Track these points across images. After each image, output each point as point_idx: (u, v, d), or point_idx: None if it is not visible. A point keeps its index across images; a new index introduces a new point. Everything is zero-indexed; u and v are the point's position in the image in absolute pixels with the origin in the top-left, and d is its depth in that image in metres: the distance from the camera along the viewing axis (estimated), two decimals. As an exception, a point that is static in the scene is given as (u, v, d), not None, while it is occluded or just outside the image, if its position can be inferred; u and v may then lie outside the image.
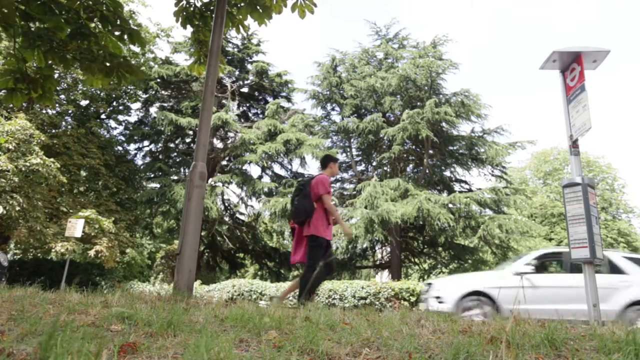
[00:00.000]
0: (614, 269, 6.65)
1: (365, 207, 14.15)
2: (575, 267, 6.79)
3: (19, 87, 4.52)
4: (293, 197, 4.95)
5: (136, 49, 16.65)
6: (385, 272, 18.39)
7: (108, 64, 4.72)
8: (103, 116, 19.04)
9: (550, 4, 69.37)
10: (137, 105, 19.30)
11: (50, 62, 4.56)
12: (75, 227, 11.33)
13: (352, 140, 17.72)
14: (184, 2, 5.86)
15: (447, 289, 6.70)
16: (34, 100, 4.68)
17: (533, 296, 6.23)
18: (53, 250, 13.26)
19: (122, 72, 4.79)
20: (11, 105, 13.36)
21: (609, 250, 7.29)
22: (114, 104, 19.05)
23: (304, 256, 4.89)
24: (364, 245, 17.05)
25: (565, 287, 6.31)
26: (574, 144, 4.97)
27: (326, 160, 5.05)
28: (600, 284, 6.09)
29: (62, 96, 16.71)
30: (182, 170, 18.38)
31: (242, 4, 5.78)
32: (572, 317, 5.35)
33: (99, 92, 17.58)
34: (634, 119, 55.72)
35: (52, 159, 12.67)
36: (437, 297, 6.66)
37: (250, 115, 20.37)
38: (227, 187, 17.67)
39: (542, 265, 7.01)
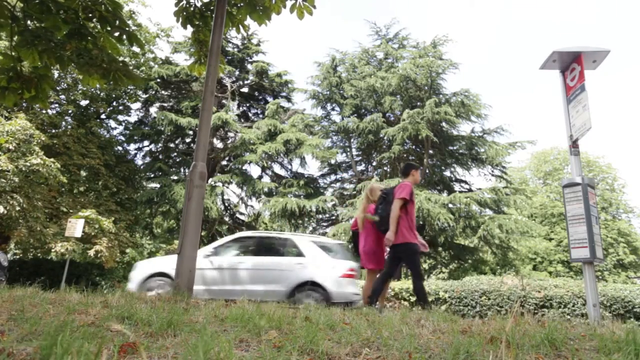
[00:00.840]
0: (298, 253, 6.81)
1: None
2: (262, 251, 6.97)
3: (12, 86, 4.49)
4: (377, 206, 4.96)
5: (136, 49, 16.64)
6: (385, 272, 18.35)
7: (106, 67, 4.71)
8: (103, 116, 19.03)
9: (551, 4, 69.38)
10: (137, 105, 19.30)
11: (45, 62, 4.54)
12: (75, 227, 11.32)
13: (352, 140, 17.72)
14: (184, 2, 5.86)
15: (137, 270, 6.84)
16: (27, 101, 4.65)
17: (218, 277, 6.43)
18: (53, 250, 13.25)
19: (119, 75, 4.78)
20: (12, 105, 13.32)
21: (297, 235, 7.39)
22: (114, 104, 19.03)
23: (380, 262, 4.97)
24: (364, 245, 17.03)
25: (246, 269, 6.50)
26: (574, 144, 4.97)
27: (408, 169, 5.10)
28: (275, 265, 6.29)
29: (62, 96, 16.70)
30: (182, 170, 18.37)
31: (242, 4, 5.78)
32: (249, 298, 5.40)
33: (99, 92, 17.57)
34: (634, 119, 55.74)
35: (52, 159, 12.66)
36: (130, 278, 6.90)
37: (250, 115, 20.36)
38: (227, 187, 17.66)
39: (236, 248, 7.13)
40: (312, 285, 6.23)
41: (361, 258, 5.16)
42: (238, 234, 7.50)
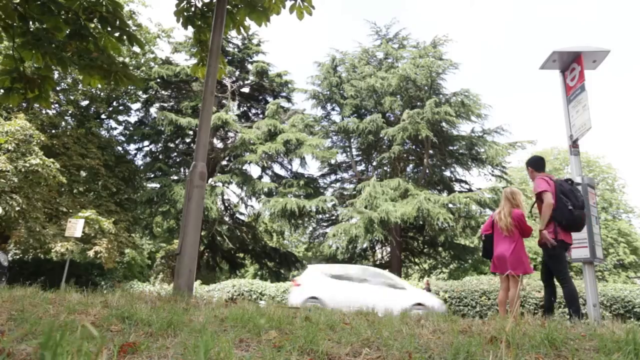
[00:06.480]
0: None
1: (365, 207, 14.15)
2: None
3: (16, 86, 4.50)
4: (583, 202, 4.57)
5: (136, 49, 16.66)
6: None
7: (106, 68, 4.70)
8: (103, 116, 19.03)
9: (551, 3, 69.39)
10: (137, 105, 19.31)
11: (47, 62, 4.54)
12: (76, 227, 11.32)
13: (352, 140, 17.72)
14: (185, 2, 5.86)
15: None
16: (30, 101, 4.66)
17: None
18: (53, 250, 13.26)
19: (119, 76, 4.77)
20: (10, 105, 13.33)
21: None
22: (114, 104, 19.04)
23: (526, 268, 4.73)
24: (364, 245, 17.05)
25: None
26: (574, 144, 4.97)
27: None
28: None
29: (62, 96, 16.70)
30: (182, 170, 18.38)
31: (242, 5, 5.78)
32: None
33: (99, 92, 17.57)
34: (634, 119, 55.72)
35: (51, 160, 12.65)
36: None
37: (250, 115, 20.36)
38: (227, 187, 17.66)
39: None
40: None
41: (502, 264, 4.83)
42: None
